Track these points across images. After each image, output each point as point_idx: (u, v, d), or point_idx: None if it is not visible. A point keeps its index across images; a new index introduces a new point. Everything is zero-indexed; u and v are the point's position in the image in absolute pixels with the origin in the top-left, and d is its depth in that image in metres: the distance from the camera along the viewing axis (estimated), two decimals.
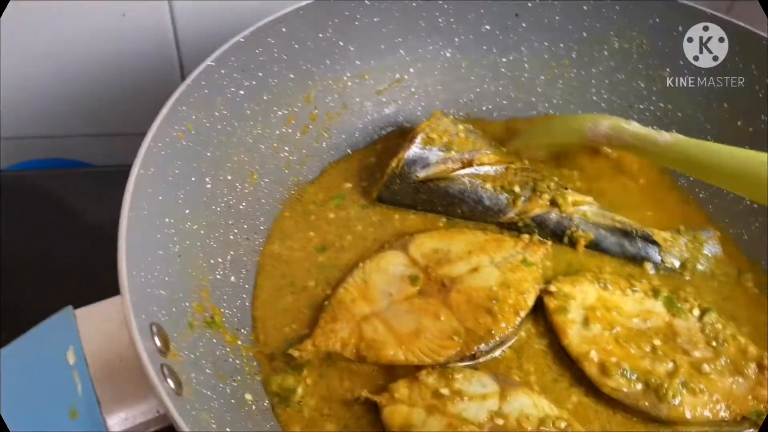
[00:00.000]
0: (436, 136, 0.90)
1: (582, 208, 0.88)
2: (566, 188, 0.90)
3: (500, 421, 0.70)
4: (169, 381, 0.60)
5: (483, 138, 0.94)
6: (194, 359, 0.69)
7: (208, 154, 0.82)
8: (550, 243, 0.87)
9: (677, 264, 0.87)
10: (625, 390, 0.74)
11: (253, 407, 0.72)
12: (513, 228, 0.89)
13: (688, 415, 0.73)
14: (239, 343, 0.77)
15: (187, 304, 0.73)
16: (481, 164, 0.89)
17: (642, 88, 1.02)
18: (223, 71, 0.82)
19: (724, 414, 0.74)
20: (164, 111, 0.74)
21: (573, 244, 0.88)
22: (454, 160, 0.89)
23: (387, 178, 0.89)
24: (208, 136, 0.82)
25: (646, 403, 0.73)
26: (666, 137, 0.83)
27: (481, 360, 0.77)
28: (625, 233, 0.87)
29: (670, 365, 0.75)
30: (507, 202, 0.88)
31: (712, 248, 0.89)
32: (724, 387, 0.75)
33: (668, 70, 0.99)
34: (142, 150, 0.70)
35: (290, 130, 0.94)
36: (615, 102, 1.03)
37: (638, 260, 0.87)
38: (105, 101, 1.13)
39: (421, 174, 0.88)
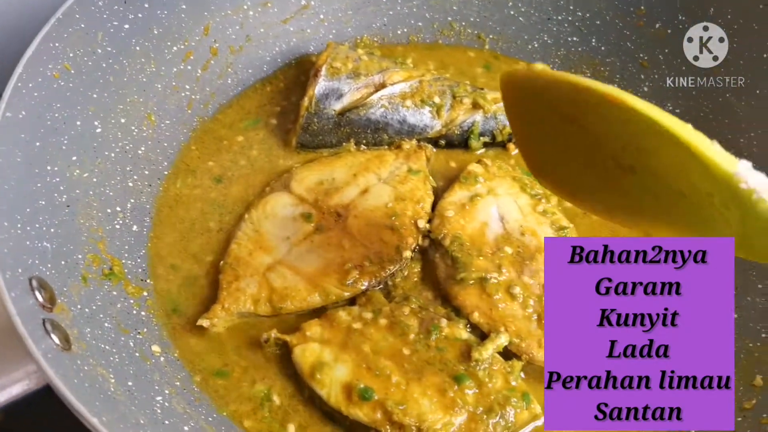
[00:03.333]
0: (340, 64, 0.84)
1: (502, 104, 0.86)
2: (482, 89, 0.88)
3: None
4: (53, 336, 0.55)
5: (385, 58, 0.89)
6: (90, 313, 0.64)
7: (94, 95, 0.76)
8: (430, 146, 0.85)
9: None
10: None
11: (161, 359, 0.67)
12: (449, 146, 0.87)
13: None
14: (145, 294, 0.72)
15: (79, 256, 0.67)
16: (394, 83, 0.84)
17: None
18: (100, 3, 0.75)
19: None
20: (31, 48, 0.67)
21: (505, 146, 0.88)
22: (367, 85, 0.84)
23: (302, 119, 0.84)
24: (92, 76, 0.75)
25: None
26: None
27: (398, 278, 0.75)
28: None
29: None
30: (431, 114, 0.85)
31: None
32: None
33: None
34: (7, 91, 0.64)
35: (189, 67, 0.87)
36: (533, 15, 0.98)
37: None
38: None
39: (337, 106, 0.83)
